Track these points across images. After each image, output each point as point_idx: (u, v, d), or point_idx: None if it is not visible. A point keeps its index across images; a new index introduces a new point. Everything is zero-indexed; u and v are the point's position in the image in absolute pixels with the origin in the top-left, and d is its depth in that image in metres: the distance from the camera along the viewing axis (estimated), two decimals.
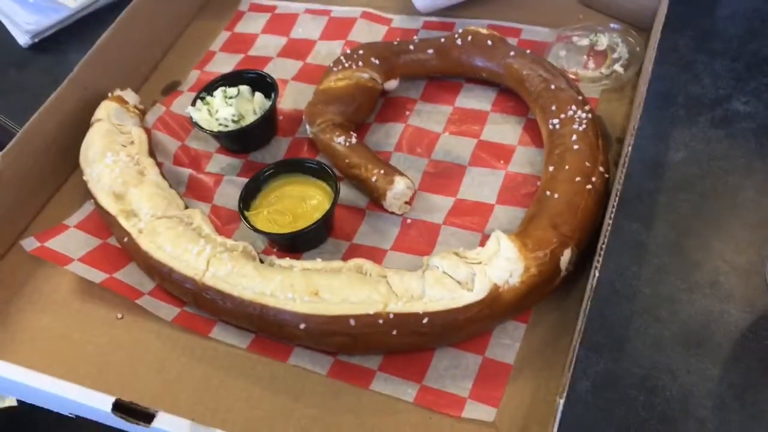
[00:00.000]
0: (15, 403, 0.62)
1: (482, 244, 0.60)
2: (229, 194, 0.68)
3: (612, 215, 0.53)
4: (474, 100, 0.72)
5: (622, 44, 0.71)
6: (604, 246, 0.51)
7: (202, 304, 0.58)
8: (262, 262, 0.60)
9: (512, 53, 0.69)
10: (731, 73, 0.69)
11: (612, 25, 0.73)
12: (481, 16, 0.79)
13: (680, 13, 0.74)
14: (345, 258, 0.62)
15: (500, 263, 0.53)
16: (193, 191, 0.69)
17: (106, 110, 0.72)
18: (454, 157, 0.67)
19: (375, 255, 0.62)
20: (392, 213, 0.64)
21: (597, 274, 0.50)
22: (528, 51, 0.69)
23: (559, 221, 0.55)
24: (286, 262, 0.59)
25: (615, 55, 0.71)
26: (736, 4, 0.76)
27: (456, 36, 0.72)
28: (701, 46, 0.72)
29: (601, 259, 0.51)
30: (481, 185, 0.65)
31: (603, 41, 0.72)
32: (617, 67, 0.69)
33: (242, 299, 0.55)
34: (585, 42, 0.73)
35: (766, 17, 0.74)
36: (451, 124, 0.70)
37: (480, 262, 0.54)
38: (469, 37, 0.71)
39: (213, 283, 0.57)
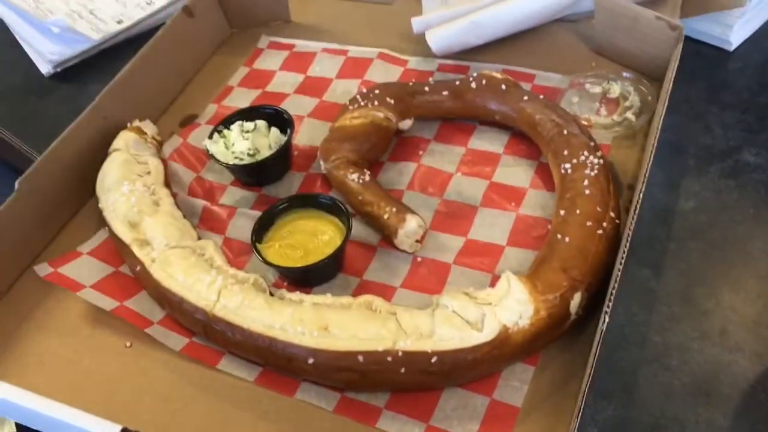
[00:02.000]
0: (14, 430, 0.61)
1: (492, 284, 0.60)
2: (242, 227, 0.69)
3: (623, 261, 0.53)
4: (487, 142, 0.73)
5: (634, 93, 0.72)
6: (614, 291, 0.52)
7: (211, 335, 0.58)
8: (272, 295, 0.60)
9: (525, 98, 0.70)
10: (742, 125, 0.70)
11: (624, 74, 0.74)
12: (495, 60, 0.81)
13: (692, 65, 0.75)
14: (355, 294, 0.62)
15: (510, 304, 0.54)
16: (207, 223, 0.70)
17: (124, 140, 0.73)
18: (466, 197, 0.68)
19: (385, 292, 0.62)
20: (403, 251, 0.65)
21: (607, 320, 0.50)
22: (541, 96, 0.71)
23: (570, 265, 0.56)
24: (297, 296, 0.59)
25: (627, 103, 0.72)
26: (747, 58, 0.77)
27: (471, 79, 0.73)
28: (712, 98, 0.73)
29: (611, 305, 0.51)
30: (492, 226, 0.65)
31: (615, 89, 0.73)
32: (629, 115, 0.70)
33: (251, 332, 0.55)
34: (597, 89, 0.74)
35: None
36: (464, 165, 0.71)
37: (490, 303, 0.54)
38: (484, 81, 0.73)
39: (223, 314, 0.57)
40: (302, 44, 0.89)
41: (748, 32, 0.80)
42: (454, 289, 0.59)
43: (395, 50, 0.85)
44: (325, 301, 0.58)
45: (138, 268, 0.62)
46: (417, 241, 0.64)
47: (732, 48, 0.78)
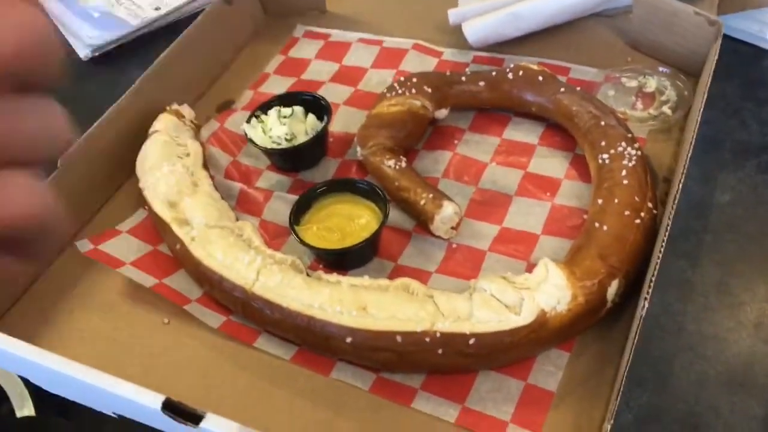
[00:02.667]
0: (33, 413, 0.62)
1: (528, 271, 0.61)
2: (278, 210, 0.70)
3: (662, 250, 0.53)
4: (522, 133, 0.73)
5: (671, 87, 0.73)
6: (653, 279, 0.52)
7: (249, 314, 0.59)
8: (309, 276, 0.61)
9: (562, 89, 0.70)
10: None
11: (661, 69, 0.75)
12: (530, 53, 0.81)
13: (729, 61, 0.75)
14: (390, 278, 0.62)
15: (548, 289, 0.54)
16: (243, 205, 0.71)
17: (164, 123, 0.74)
18: (501, 186, 0.69)
19: (420, 276, 0.62)
20: (438, 237, 0.65)
21: (647, 306, 0.50)
22: (578, 88, 0.71)
23: (608, 252, 0.56)
24: (334, 277, 0.60)
25: (663, 98, 0.72)
26: None
27: (507, 70, 0.74)
28: (749, 94, 0.74)
29: (650, 291, 0.51)
30: (527, 215, 0.66)
31: (652, 83, 0.74)
32: (665, 109, 0.71)
33: (290, 310, 0.56)
34: (634, 83, 0.75)
35: None
36: (498, 154, 0.72)
37: (528, 288, 0.55)
38: (521, 72, 0.73)
39: (262, 292, 0.58)
40: (337, 34, 0.90)
41: None
42: (490, 275, 0.60)
43: (430, 42, 0.86)
44: (363, 283, 0.59)
45: (178, 247, 0.63)
46: (452, 227, 0.65)
47: None
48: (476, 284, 0.56)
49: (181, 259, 0.64)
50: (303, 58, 0.88)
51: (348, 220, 0.65)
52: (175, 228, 0.64)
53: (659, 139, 0.69)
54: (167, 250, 0.67)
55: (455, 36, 0.84)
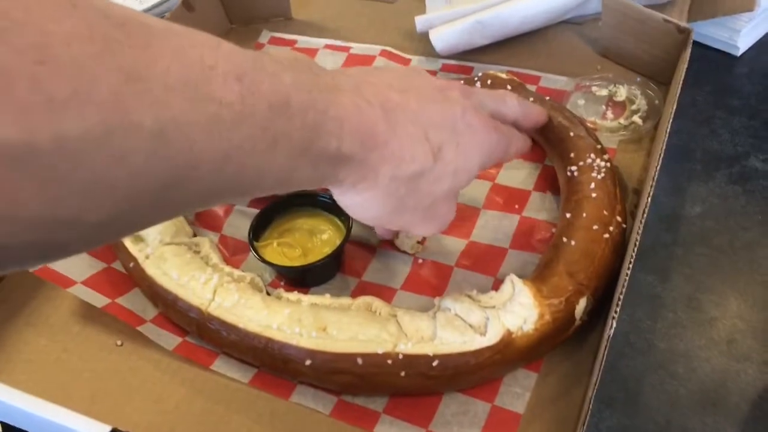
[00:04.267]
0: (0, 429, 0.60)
1: (494, 288, 0.59)
2: (238, 225, 0.67)
3: (630, 266, 0.52)
4: None
5: (641, 96, 0.71)
6: (622, 296, 0.50)
7: (205, 335, 0.57)
8: (269, 294, 0.59)
9: (531, 99, 0.69)
10: (749, 131, 0.69)
11: (631, 77, 0.73)
12: (499, 61, 0.80)
13: (698, 69, 0.74)
14: (354, 295, 0.60)
15: (514, 308, 0.52)
16: (202, 220, 0.69)
17: None
18: (469, 199, 0.67)
19: (384, 294, 0.60)
20: (404, 252, 0.63)
21: (614, 325, 0.48)
22: (547, 98, 0.69)
23: (576, 269, 0.54)
24: (294, 295, 0.58)
25: (634, 107, 0.71)
26: (754, 63, 0.76)
27: (476, 79, 0.72)
28: (719, 102, 0.72)
29: (618, 310, 0.50)
30: (494, 229, 0.64)
31: (622, 92, 0.72)
32: (636, 119, 0.69)
33: (247, 331, 0.54)
34: (604, 92, 0.73)
35: None
36: None
37: (493, 306, 0.53)
38: (489, 81, 0.71)
39: (218, 313, 0.55)
40: (304, 40, 0.88)
41: (756, 37, 0.79)
42: (455, 292, 0.58)
43: (398, 48, 0.84)
44: (324, 301, 0.56)
45: (131, 265, 0.61)
46: (418, 242, 0.63)
47: (739, 53, 0.77)
48: (441, 303, 0.55)
49: (135, 278, 0.61)
50: None
51: (310, 236, 0.63)
52: (129, 245, 0.61)
53: (630, 149, 0.68)
54: (122, 267, 0.64)
55: (423, 43, 0.82)
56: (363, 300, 0.56)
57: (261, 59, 0.36)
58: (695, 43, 0.69)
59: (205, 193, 0.34)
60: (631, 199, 0.64)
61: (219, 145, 0.33)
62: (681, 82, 0.64)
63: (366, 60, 0.83)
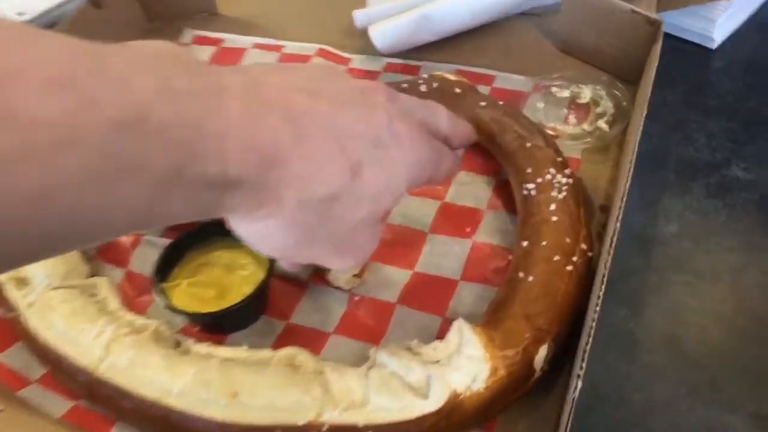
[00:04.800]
0: None
1: (443, 328, 0.51)
2: (147, 258, 0.57)
3: (598, 305, 0.44)
4: None
5: (607, 97, 0.63)
6: (588, 346, 0.42)
7: (97, 401, 0.47)
8: (178, 345, 0.50)
9: (483, 103, 0.60)
10: (728, 134, 0.61)
11: (595, 76, 0.65)
12: (449, 60, 0.71)
13: (671, 65, 0.66)
14: (279, 341, 0.52)
15: (462, 363, 0.44)
16: (106, 253, 0.59)
17: None
18: (413, 221, 0.58)
19: (315, 339, 0.52)
20: (338, 288, 0.54)
21: (579, 385, 0.40)
22: (501, 102, 0.61)
23: (534, 311, 0.46)
24: (205, 348, 0.48)
25: (599, 110, 0.63)
26: (732, 56, 0.69)
27: (420, 81, 0.63)
28: (694, 102, 0.64)
29: (584, 365, 0.41)
30: (443, 256, 0.55)
31: (586, 93, 0.64)
32: (601, 124, 0.61)
33: (142, 399, 0.45)
34: (566, 93, 0.65)
35: (767, 70, 0.66)
36: None
37: (437, 361, 0.44)
38: (435, 84, 0.63)
39: (110, 375, 0.46)
40: (231, 39, 0.78)
41: (732, 27, 0.71)
42: (398, 334, 0.50)
43: (336, 47, 0.75)
44: (240, 354, 0.47)
45: (12, 314, 0.51)
46: (355, 275, 0.54)
47: (714, 45, 0.70)
48: (376, 355, 0.46)
49: (17, 330, 0.52)
50: None
51: (227, 272, 0.54)
52: (10, 289, 0.52)
53: (595, 159, 0.60)
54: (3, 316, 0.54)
55: (365, 40, 0.73)
56: (286, 353, 0.47)
57: (103, 57, 0.27)
58: (666, 35, 0.61)
59: (25, 243, 0.26)
60: (597, 218, 0.56)
61: (31, 181, 0.24)
62: (652, 81, 0.56)
63: (301, 60, 0.74)
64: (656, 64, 0.58)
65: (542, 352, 0.45)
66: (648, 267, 0.53)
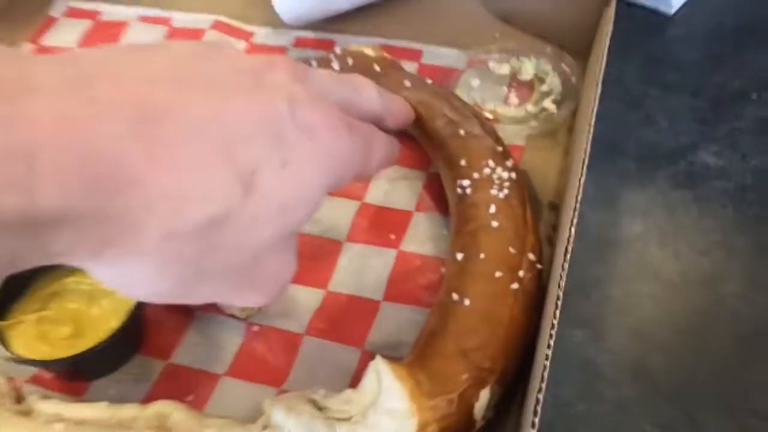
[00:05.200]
0: None
1: (361, 365, 0.41)
2: None
3: (553, 334, 0.34)
4: None
5: (553, 73, 0.54)
6: (544, 387, 0.32)
7: None
8: (20, 401, 0.38)
9: (408, 83, 0.50)
10: (693, 113, 0.53)
11: (539, 48, 0.55)
12: (369, 32, 0.60)
13: (623, 34, 0.57)
14: (157, 387, 0.41)
15: (381, 419, 0.34)
16: None
17: None
18: (326, 227, 0.48)
19: (202, 383, 0.41)
20: (232, 316, 0.44)
21: (536, 423, 0.31)
22: (429, 81, 0.51)
23: (472, 344, 0.36)
24: (53, 406, 0.37)
25: (544, 88, 0.53)
26: (692, 23, 0.60)
27: (333, 58, 0.53)
28: (652, 77, 0.55)
29: (539, 413, 0.32)
30: (362, 272, 0.45)
31: (528, 69, 0.54)
32: (548, 104, 0.52)
33: None
34: (505, 69, 0.55)
35: (734, 38, 0.58)
36: None
37: (349, 418, 0.34)
38: (350, 60, 0.52)
39: None
40: (111, 11, 0.66)
41: None
42: (302, 379, 0.40)
43: (236, 18, 0.63)
44: (96, 414, 0.37)
45: None
46: None
47: (672, 11, 0.60)
48: (271, 413, 0.35)
49: None
50: (61, 46, 0.63)
51: (87, 302, 0.42)
52: None
53: (542, 146, 0.50)
54: None
55: (270, 10, 0.61)
56: (155, 410, 0.37)
57: None
58: (620, 0, 0.52)
59: None
60: (546, 218, 0.46)
61: None
62: (606, 51, 0.46)
63: (194, 35, 0.62)
64: (610, 30, 0.48)
65: (484, 398, 0.35)
66: (609, 277, 0.44)
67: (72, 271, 0.43)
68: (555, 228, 0.46)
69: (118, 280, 0.27)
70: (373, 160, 0.34)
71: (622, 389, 0.40)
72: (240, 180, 0.26)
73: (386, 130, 0.37)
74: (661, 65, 0.56)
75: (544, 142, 0.51)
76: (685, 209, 0.47)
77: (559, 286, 0.35)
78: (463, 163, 0.44)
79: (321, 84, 0.33)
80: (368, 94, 0.36)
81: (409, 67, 0.56)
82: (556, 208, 0.47)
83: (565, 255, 0.36)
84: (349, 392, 0.35)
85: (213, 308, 0.44)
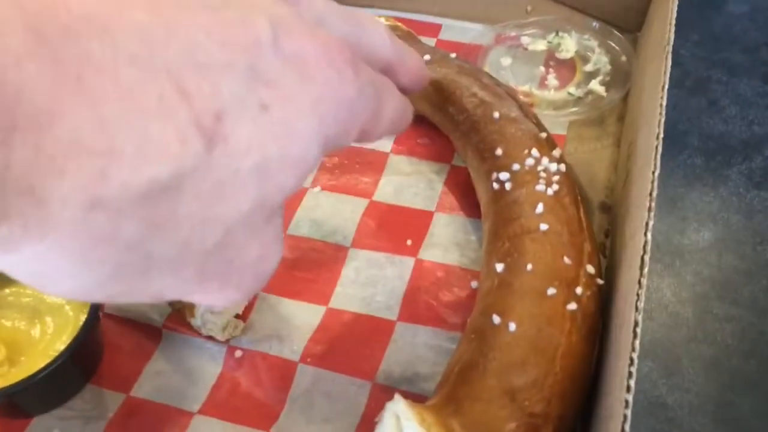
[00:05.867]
0: None
1: (372, 403, 0.32)
2: None
3: (634, 368, 0.26)
4: None
5: (600, 50, 0.45)
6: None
7: None
8: None
9: (427, 56, 0.41)
10: (766, 99, 0.44)
11: (586, 23, 0.47)
12: (380, 4, 0.52)
13: (680, 8, 0.48)
14: (112, 427, 0.33)
15: None
16: None
17: None
18: (329, 230, 0.39)
19: (170, 424, 0.33)
20: (210, 338, 0.35)
21: None
22: (454, 55, 0.42)
23: (521, 383, 0.28)
24: None
25: (588, 67, 0.45)
26: None
27: None
28: (716, 58, 0.47)
29: None
30: (372, 284, 0.37)
31: (569, 45, 0.46)
32: (595, 86, 0.43)
33: None
34: (541, 46, 0.47)
35: None
36: (326, 172, 0.42)
37: None
38: None
39: None
40: None
41: None
42: (296, 422, 0.31)
43: None
44: None
45: None
46: (237, 315, 0.35)
47: None
48: None
49: None
50: None
51: (28, 320, 0.34)
52: None
53: (588, 135, 0.42)
54: None
55: None
56: None
57: None
58: None
59: None
60: (597, 220, 0.38)
61: None
62: (673, 27, 0.38)
63: None
64: (672, 5, 0.40)
65: None
66: (677, 295, 0.36)
67: (10, 280, 0.35)
68: (606, 235, 0.38)
69: (29, 270, 0.18)
70: (384, 114, 0.25)
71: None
72: (198, 127, 0.18)
73: (398, 84, 0.28)
74: (724, 44, 0.48)
75: (591, 130, 0.42)
76: (765, 213, 0.39)
77: (636, 309, 0.27)
78: (499, 152, 0.36)
79: (318, 11, 0.24)
80: (378, 34, 0.27)
81: (426, 43, 0.48)
82: (607, 209, 0.39)
83: (641, 269, 0.28)
84: None
85: (184, 327, 0.35)
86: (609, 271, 0.34)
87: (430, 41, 0.49)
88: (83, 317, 0.33)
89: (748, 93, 0.45)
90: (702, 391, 0.33)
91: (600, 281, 0.32)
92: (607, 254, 0.36)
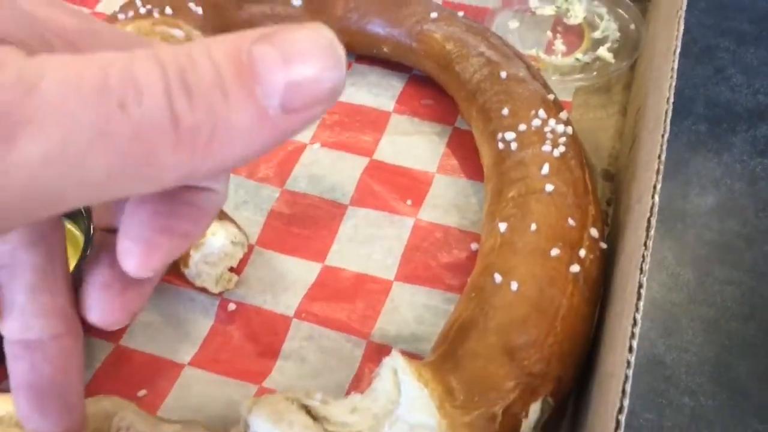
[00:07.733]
0: None
1: (367, 360, 0.32)
2: None
3: (637, 329, 0.25)
4: (365, 90, 0.43)
5: (609, 16, 0.45)
6: (626, 397, 0.24)
7: None
8: None
9: (433, 15, 0.40)
10: None
11: None
12: None
13: None
14: (99, 378, 0.32)
15: None
16: None
17: None
18: (327, 187, 0.39)
19: (158, 375, 0.32)
20: (203, 289, 0.34)
21: None
22: (461, 14, 0.41)
23: (522, 341, 0.27)
24: None
25: (596, 34, 0.44)
26: None
27: None
28: (723, 26, 0.47)
29: (622, 426, 0.23)
30: (370, 242, 0.36)
31: (578, 11, 0.45)
32: (603, 52, 0.43)
33: None
34: (549, 11, 0.46)
35: None
36: (325, 128, 0.41)
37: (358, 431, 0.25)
38: None
39: None
40: None
41: None
42: (290, 378, 0.31)
43: None
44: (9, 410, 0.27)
45: None
46: (231, 269, 0.35)
47: None
48: (249, 417, 0.26)
49: None
50: None
51: None
52: None
53: (594, 102, 0.41)
54: None
55: None
56: (96, 407, 0.27)
57: None
58: None
59: None
60: (600, 189, 0.38)
61: None
62: None
63: None
64: None
65: (534, 414, 0.26)
66: (678, 258, 0.36)
67: None
68: (609, 203, 0.37)
69: None
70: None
71: (698, 397, 0.31)
72: None
73: None
74: (732, 12, 0.47)
75: (597, 98, 0.42)
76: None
77: (641, 270, 0.26)
78: (505, 112, 0.35)
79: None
80: None
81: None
82: (610, 177, 0.38)
83: (647, 230, 0.27)
84: (355, 397, 0.26)
85: (177, 278, 0.35)
86: (611, 240, 0.33)
87: (437, 0, 0.48)
88: (73, 262, 0.33)
89: (755, 62, 0.44)
90: (700, 352, 0.33)
91: (603, 245, 0.31)
92: (610, 222, 0.36)
